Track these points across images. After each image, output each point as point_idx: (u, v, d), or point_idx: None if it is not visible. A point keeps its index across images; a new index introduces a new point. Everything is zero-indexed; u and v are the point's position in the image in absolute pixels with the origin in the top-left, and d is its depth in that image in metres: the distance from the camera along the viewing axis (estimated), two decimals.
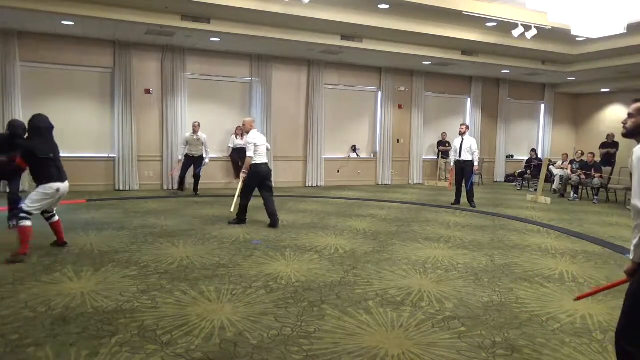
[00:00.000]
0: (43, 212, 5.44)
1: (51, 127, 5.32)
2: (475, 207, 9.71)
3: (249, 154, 7.05)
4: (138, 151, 11.28)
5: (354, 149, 13.94)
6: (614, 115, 16.67)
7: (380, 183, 14.11)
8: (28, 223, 5.07)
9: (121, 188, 11.06)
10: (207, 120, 11.48)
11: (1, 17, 8.85)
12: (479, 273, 5.04)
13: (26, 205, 5.11)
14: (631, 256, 2.31)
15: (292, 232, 6.86)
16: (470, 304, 4.08)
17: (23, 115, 10.19)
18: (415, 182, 14.56)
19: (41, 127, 5.21)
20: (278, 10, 8.71)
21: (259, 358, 3.01)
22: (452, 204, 10.04)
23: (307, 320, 3.63)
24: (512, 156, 16.48)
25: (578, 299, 3.04)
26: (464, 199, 10.05)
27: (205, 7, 8.53)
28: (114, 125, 11.05)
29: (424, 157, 14.82)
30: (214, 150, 11.61)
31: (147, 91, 11.35)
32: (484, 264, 5.43)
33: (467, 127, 10.11)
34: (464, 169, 9.95)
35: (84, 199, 9.37)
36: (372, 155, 14.23)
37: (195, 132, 10.55)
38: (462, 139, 9.94)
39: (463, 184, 10.11)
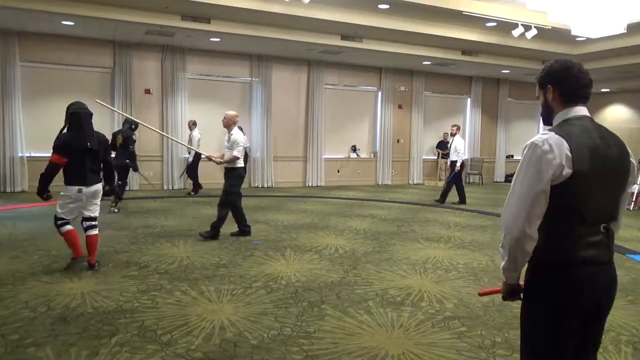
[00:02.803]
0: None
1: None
2: (443, 203, 10.02)
3: (238, 154, 6.24)
4: (138, 151, 11.20)
5: (354, 149, 13.94)
6: (614, 115, 16.68)
7: (380, 183, 14.11)
8: (65, 228, 4.68)
9: None
10: (207, 120, 11.48)
11: (1, 17, 8.85)
12: (479, 273, 5.04)
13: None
14: (504, 278, 1.89)
15: (292, 232, 6.86)
16: (470, 304, 4.07)
17: (23, 115, 10.21)
18: (415, 182, 14.56)
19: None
20: (278, 10, 8.71)
21: (259, 358, 3.01)
22: (453, 203, 10.10)
23: (307, 320, 3.63)
24: (512, 156, 16.48)
25: (481, 294, 2.41)
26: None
27: (205, 7, 8.54)
28: (114, 126, 11.02)
29: (424, 157, 14.82)
30: (213, 151, 11.57)
31: (147, 91, 11.35)
32: (484, 264, 5.43)
33: (458, 128, 10.21)
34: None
35: None
36: (372, 155, 14.23)
37: (190, 130, 10.60)
38: (452, 139, 10.18)
39: (463, 183, 10.37)
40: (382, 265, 5.21)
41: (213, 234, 6.25)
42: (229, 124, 6.44)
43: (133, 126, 8.41)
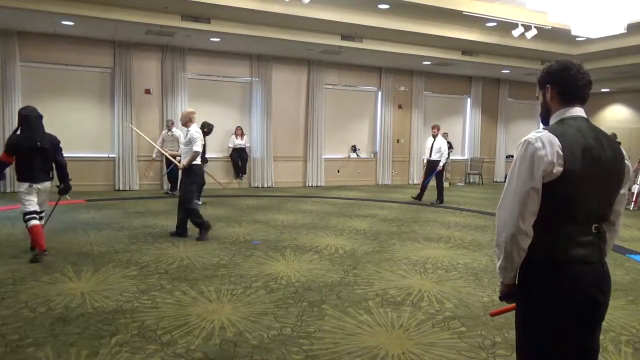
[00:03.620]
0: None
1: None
2: (442, 202, 10.21)
3: (199, 148, 6.09)
4: (138, 151, 11.28)
5: (354, 149, 13.94)
6: (614, 115, 16.67)
7: (380, 183, 14.11)
8: (30, 223, 5.00)
9: (121, 188, 11.05)
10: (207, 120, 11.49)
11: (1, 17, 8.85)
12: (479, 273, 5.04)
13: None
14: (500, 278, 1.89)
15: (292, 232, 6.86)
16: (470, 304, 4.08)
17: None
18: (415, 182, 14.54)
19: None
20: (278, 10, 8.71)
21: (259, 358, 3.01)
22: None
23: (307, 320, 3.63)
24: (512, 156, 16.46)
25: (492, 314, 2.40)
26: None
27: (205, 7, 8.53)
28: (114, 125, 11.05)
29: (424, 157, 14.79)
30: (213, 150, 11.59)
31: (147, 91, 11.35)
32: (484, 264, 5.43)
33: (439, 129, 10.38)
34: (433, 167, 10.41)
35: (84, 199, 9.37)
36: (372, 155, 14.23)
37: (169, 129, 10.55)
38: (434, 140, 10.24)
39: (443, 180, 10.81)
40: (382, 265, 5.21)
41: (205, 231, 6.17)
42: (185, 121, 6.34)
43: (206, 129, 8.79)
